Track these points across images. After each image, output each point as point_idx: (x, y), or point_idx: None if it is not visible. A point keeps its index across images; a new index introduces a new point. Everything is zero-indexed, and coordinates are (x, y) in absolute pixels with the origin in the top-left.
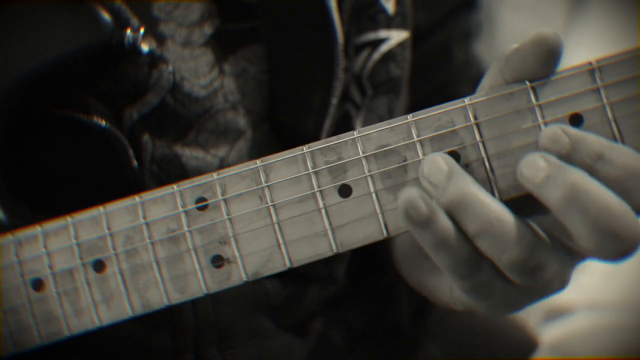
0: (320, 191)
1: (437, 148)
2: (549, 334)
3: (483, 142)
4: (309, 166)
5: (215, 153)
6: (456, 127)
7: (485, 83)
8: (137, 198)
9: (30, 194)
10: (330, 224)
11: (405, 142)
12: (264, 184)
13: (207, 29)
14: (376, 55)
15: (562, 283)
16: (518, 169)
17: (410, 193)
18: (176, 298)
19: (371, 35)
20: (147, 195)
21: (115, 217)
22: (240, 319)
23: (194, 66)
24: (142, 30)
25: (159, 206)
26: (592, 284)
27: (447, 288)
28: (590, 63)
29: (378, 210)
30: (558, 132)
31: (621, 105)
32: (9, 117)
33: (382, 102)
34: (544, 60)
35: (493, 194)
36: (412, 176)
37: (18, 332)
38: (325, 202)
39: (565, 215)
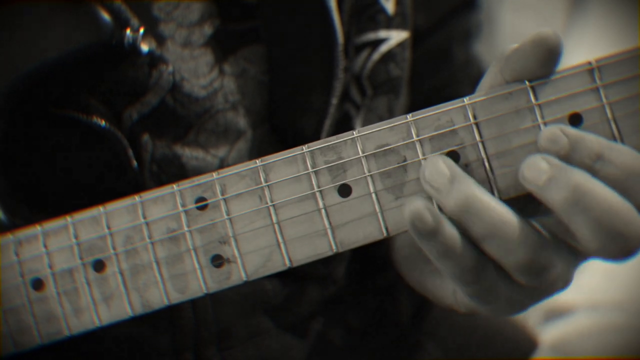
0: (320, 191)
1: (437, 148)
2: (549, 334)
3: (482, 142)
4: (309, 166)
5: (215, 153)
6: (456, 126)
7: (485, 83)
8: (137, 198)
9: (30, 193)
10: (330, 223)
11: (405, 142)
12: (264, 184)
13: (207, 29)
14: (376, 56)
15: (565, 282)
16: (520, 171)
17: (416, 204)
18: (176, 298)
19: (371, 36)
20: (147, 195)
21: (115, 216)
22: (239, 318)
23: (193, 66)
24: (141, 31)
25: (159, 206)
26: (592, 284)
27: (450, 291)
28: (589, 63)
29: (378, 210)
30: (557, 132)
31: (621, 104)
32: (9, 117)
33: (382, 102)
34: (543, 60)
35: (493, 194)
36: (412, 176)
37: (18, 331)
38: (325, 201)
39: (569, 217)
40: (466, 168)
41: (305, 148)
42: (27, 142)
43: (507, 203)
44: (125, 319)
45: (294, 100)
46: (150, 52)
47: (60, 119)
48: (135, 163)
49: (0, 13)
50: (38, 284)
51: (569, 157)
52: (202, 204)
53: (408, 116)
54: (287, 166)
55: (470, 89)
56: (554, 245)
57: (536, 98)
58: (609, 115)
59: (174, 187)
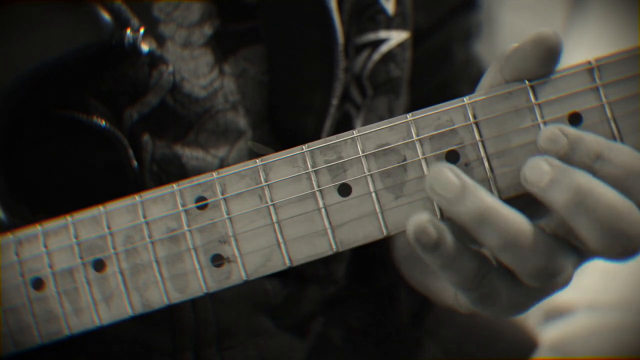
0: (320, 190)
1: (437, 147)
2: (549, 334)
3: (482, 141)
4: (309, 165)
5: (215, 153)
6: (455, 126)
7: (485, 82)
8: (137, 197)
9: (30, 193)
10: (330, 223)
11: (405, 141)
12: (264, 183)
13: (207, 30)
14: (376, 56)
15: (566, 282)
16: (521, 173)
17: (420, 218)
18: (176, 297)
19: (371, 36)
20: (147, 195)
21: (115, 216)
22: (239, 318)
23: (193, 67)
24: (142, 31)
25: (159, 205)
26: (592, 284)
27: (452, 292)
28: (589, 62)
29: (378, 209)
30: (556, 132)
31: (620, 104)
32: (9, 117)
33: (382, 103)
34: (543, 59)
35: (492, 193)
36: (412, 175)
37: (18, 331)
38: (325, 201)
39: (572, 218)
40: (466, 167)
41: (305, 148)
42: (27, 142)
43: (509, 203)
44: (126, 318)
45: (294, 101)
46: (150, 52)
47: (60, 119)
48: (135, 163)
49: (0, 13)
50: (38, 284)
51: (568, 157)
52: (202, 204)
53: (408, 116)
54: (287, 166)
55: (471, 89)
56: (565, 248)
57: (536, 97)
58: (609, 114)
59: (174, 187)
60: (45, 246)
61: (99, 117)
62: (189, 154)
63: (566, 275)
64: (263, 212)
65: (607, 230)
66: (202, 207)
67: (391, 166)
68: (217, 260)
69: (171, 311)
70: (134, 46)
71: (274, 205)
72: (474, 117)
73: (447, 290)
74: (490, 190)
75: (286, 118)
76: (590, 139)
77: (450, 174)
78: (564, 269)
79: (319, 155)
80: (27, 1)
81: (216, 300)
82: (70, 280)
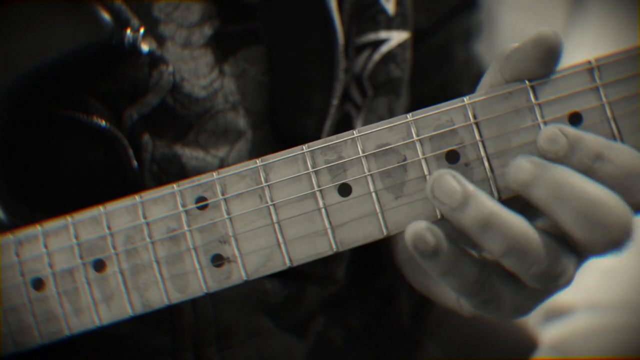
0: (320, 190)
1: (437, 147)
2: (549, 334)
3: (482, 141)
4: (309, 165)
5: (215, 153)
6: (455, 126)
7: (485, 82)
8: (137, 198)
9: (30, 194)
10: (330, 223)
11: (405, 142)
12: (264, 184)
13: (207, 30)
14: (376, 56)
15: (568, 281)
16: (506, 175)
17: (417, 226)
18: (176, 297)
19: (371, 36)
20: (147, 195)
21: (116, 216)
22: (239, 318)
23: (193, 67)
24: (142, 31)
25: (159, 206)
26: (592, 284)
27: (454, 296)
28: (589, 62)
29: (378, 209)
30: (556, 132)
31: (620, 103)
32: (9, 117)
33: (382, 103)
34: (543, 59)
35: (492, 193)
36: (412, 175)
37: (18, 331)
38: (325, 201)
39: (554, 212)
40: (466, 167)
41: (305, 148)
42: (27, 142)
43: (508, 206)
44: (126, 318)
45: (294, 101)
46: (150, 53)
47: (60, 119)
48: (135, 163)
49: (0, 13)
50: (38, 284)
51: (568, 157)
52: (202, 204)
53: (408, 116)
54: (287, 166)
55: (471, 89)
56: (566, 249)
57: (536, 97)
58: (609, 114)
59: (174, 187)
60: (46, 246)
61: (99, 117)
62: (189, 154)
63: (568, 275)
64: (263, 212)
65: (585, 220)
66: (202, 208)
67: (391, 166)
68: (217, 260)
69: (171, 311)
70: (134, 46)
71: (274, 205)
72: (474, 117)
73: (449, 294)
74: (490, 190)
75: (286, 118)
76: (590, 139)
77: (452, 180)
78: (567, 270)
79: (319, 156)
80: (27, 1)
81: (216, 300)
82: (70, 280)
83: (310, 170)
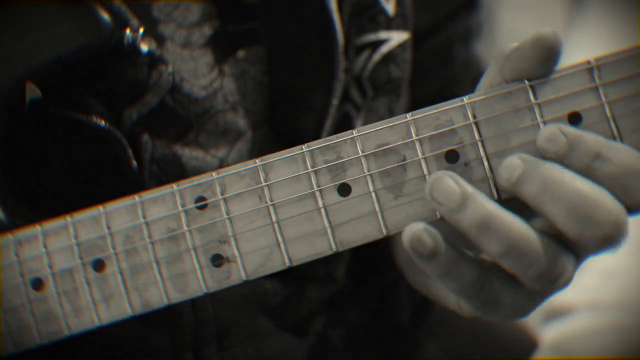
0: (320, 190)
1: (436, 147)
2: (549, 334)
3: (482, 141)
4: (309, 165)
5: (215, 153)
6: (455, 125)
7: (484, 82)
8: (136, 197)
9: (31, 193)
10: (329, 222)
11: (405, 141)
12: (264, 183)
13: (207, 30)
14: (376, 57)
15: (567, 282)
16: (498, 175)
17: (415, 227)
18: (176, 297)
19: (371, 37)
20: (147, 195)
21: (115, 216)
22: (239, 318)
23: (193, 67)
24: (141, 31)
25: (159, 205)
26: (592, 284)
27: (454, 297)
28: (589, 62)
29: (377, 209)
30: (556, 131)
31: (620, 103)
32: (9, 117)
33: (382, 103)
34: (543, 59)
35: (492, 193)
36: (412, 175)
37: (18, 331)
38: (325, 201)
39: (545, 210)
40: (465, 167)
41: (304, 147)
42: (27, 142)
43: (506, 206)
44: (125, 318)
45: (294, 101)
46: (149, 53)
47: (60, 119)
48: (135, 163)
49: (0, 13)
50: (38, 284)
51: (567, 156)
52: (202, 204)
53: (407, 115)
54: (286, 166)
55: (471, 89)
56: (565, 249)
57: (535, 97)
58: (608, 114)
59: (174, 187)
60: (45, 246)
61: (98, 117)
62: (189, 154)
63: (567, 276)
64: (263, 212)
65: (577, 217)
66: (201, 207)
67: (391, 166)
68: (217, 260)
69: (171, 311)
70: (134, 46)
71: (273, 205)
72: (474, 116)
73: (449, 295)
74: (490, 190)
75: (286, 118)
76: (590, 139)
77: (450, 181)
78: (566, 270)
79: (318, 155)
80: (27, 1)
81: (216, 300)
82: (70, 280)
83: (310, 170)
